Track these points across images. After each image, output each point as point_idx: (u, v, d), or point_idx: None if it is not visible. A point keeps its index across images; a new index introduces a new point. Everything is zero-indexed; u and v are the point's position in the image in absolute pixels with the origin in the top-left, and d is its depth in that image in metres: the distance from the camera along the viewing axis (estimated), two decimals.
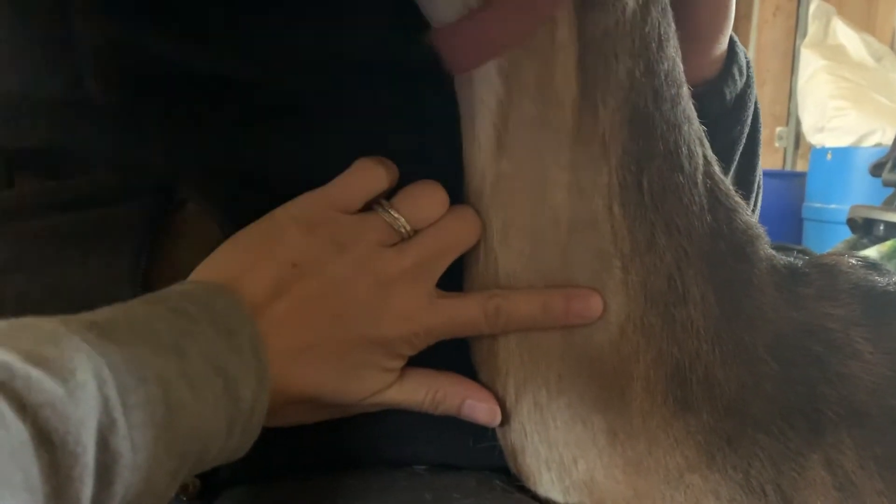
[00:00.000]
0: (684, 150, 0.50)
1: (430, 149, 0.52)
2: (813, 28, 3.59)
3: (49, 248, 0.52)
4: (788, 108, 3.89)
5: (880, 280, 0.57)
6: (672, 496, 0.48)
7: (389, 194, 0.50)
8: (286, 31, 0.52)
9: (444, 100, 0.51)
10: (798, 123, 3.70)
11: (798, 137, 3.82)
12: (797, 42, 3.84)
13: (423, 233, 0.49)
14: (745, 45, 3.91)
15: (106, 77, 0.53)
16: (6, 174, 0.56)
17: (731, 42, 0.62)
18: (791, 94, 3.83)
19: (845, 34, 3.50)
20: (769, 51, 3.96)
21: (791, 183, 3.39)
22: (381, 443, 0.53)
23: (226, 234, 0.49)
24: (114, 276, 0.50)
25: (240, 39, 0.52)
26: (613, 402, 0.49)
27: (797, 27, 3.91)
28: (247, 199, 0.54)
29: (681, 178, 0.49)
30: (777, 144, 3.92)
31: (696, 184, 0.50)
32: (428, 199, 0.50)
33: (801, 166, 3.79)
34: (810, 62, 3.48)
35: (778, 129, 3.92)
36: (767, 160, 3.90)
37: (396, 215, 0.49)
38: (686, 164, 0.50)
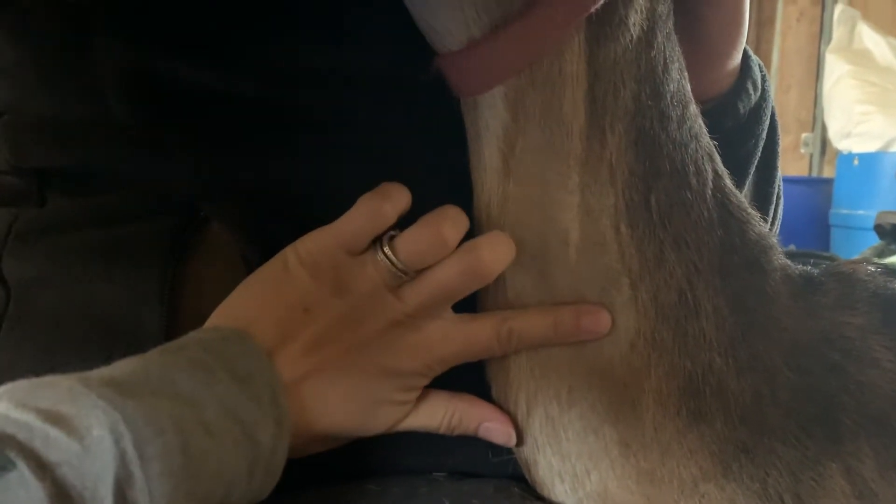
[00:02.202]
0: (692, 167, 0.50)
1: (450, 166, 0.53)
2: (838, 33, 3.57)
3: (77, 264, 0.54)
4: (814, 114, 3.86)
5: None
6: None
7: (404, 220, 0.50)
8: (303, 53, 0.54)
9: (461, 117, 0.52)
10: (824, 129, 3.66)
11: (824, 143, 3.78)
12: (822, 47, 3.81)
13: (424, 277, 0.48)
14: (769, 50, 3.89)
15: (129, 100, 0.55)
16: (38, 193, 0.58)
17: (746, 56, 0.62)
18: (816, 100, 3.80)
19: (871, 38, 3.47)
20: (793, 56, 3.94)
21: (818, 189, 3.36)
22: (401, 453, 0.54)
23: (246, 253, 0.50)
24: (140, 291, 0.52)
25: (257, 62, 0.54)
26: (625, 414, 0.49)
27: (822, 32, 3.88)
28: (268, 218, 0.55)
29: (689, 195, 0.50)
30: (803, 151, 3.89)
31: (705, 199, 0.51)
32: (428, 242, 0.48)
33: (827, 172, 3.76)
34: (835, 67, 3.44)
35: (803, 135, 3.89)
36: (793, 167, 3.87)
37: (395, 260, 0.48)
38: (694, 181, 0.50)
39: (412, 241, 0.48)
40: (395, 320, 0.48)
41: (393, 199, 0.49)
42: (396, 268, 0.48)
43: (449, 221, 0.49)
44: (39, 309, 0.53)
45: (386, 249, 0.48)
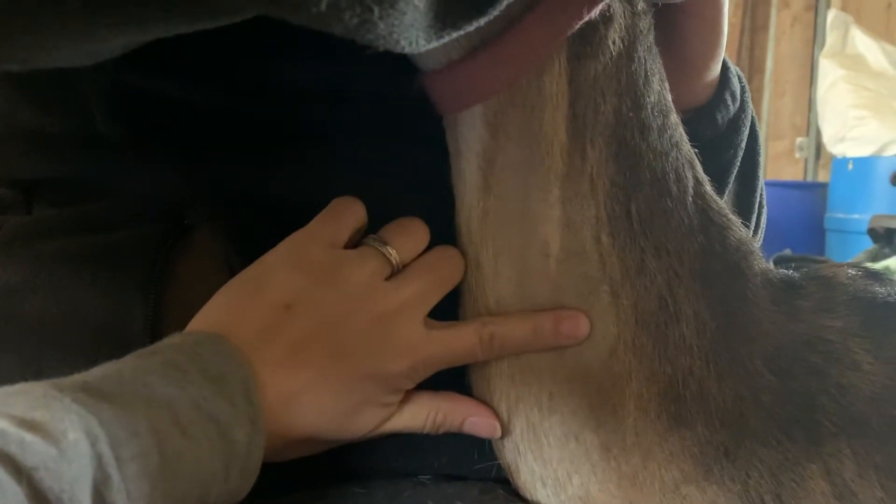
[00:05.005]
0: (672, 175, 0.51)
1: (435, 178, 0.53)
2: (831, 38, 3.58)
3: (63, 270, 0.54)
4: (808, 119, 3.87)
5: (881, 290, 0.57)
6: None
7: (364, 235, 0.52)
8: (291, 69, 0.54)
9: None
10: (818, 134, 3.68)
11: (819, 148, 3.80)
12: (815, 52, 3.83)
13: (416, 266, 0.51)
14: (763, 56, 3.91)
15: (115, 114, 0.55)
16: (26, 202, 0.59)
17: (725, 68, 0.63)
18: (811, 105, 3.82)
19: (864, 43, 3.48)
20: (788, 61, 3.95)
21: (812, 194, 3.37)
22: (386, 455, 0.54)
23: (231, 259, 0.51)
24: (125, 296, 0.52)
25: (241, 77, 0.55)
26: (606, 419, 0.50)
27: (815, 37, 3.90)
28: (254, 226, 0.55)
29: (669, 203, 0.51)
30: (798, 155, 3.90)
31: (685, 206, 0.51)
32: (413, 231, 0.51)
33: (822, 177, 3.77)
34: (829, 72, 3.46)
35: (798, 139, 3.90)
36: (788, 171, 3.88)
37: (387, 246, 0.50)
38: (674, 189, 0.51)
39: (400, 232, 0.51)
40: (386, 312, 0.48)
41: (361, 203, 0.52)
42: (392, 255, 0.49)
43: (421, 220, 0.52)
44: (26, 314, 0.54)
45: (378, 244, 0.50)
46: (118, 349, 0.44)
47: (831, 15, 3.64)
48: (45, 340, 0.53)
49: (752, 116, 0.66)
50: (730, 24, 0.60)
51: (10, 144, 0.59)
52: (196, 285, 0.52)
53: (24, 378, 0.38)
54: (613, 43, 0.49)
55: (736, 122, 0.63)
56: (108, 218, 0.56)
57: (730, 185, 0.65)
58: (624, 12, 0.49)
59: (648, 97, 0.51)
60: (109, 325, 0.52)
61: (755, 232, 0.70)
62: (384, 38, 0.35)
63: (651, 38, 0.52)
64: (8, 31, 0.31)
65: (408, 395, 0.51)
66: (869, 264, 0.87)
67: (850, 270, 0.58)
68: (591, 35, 0.48)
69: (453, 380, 0.53)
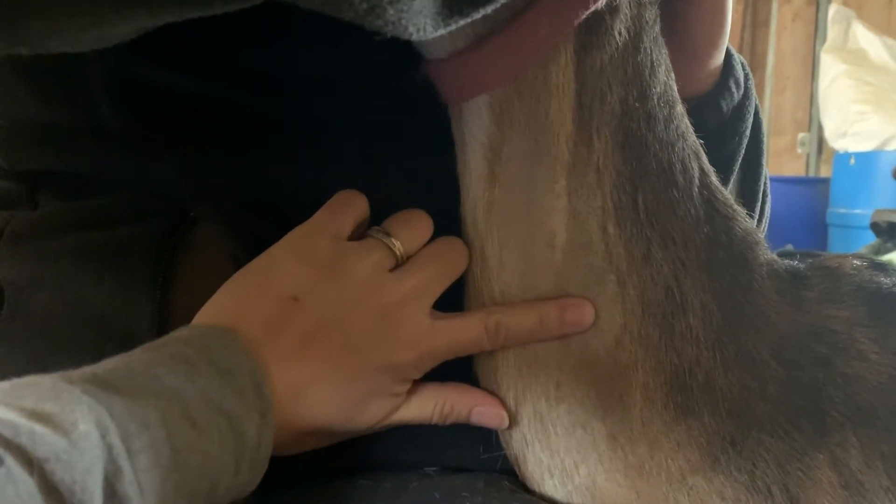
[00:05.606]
0: (678, 166, 0.51)
1: (439, 169, 0.53)
2: (833, 33, 3.58)
3: (68, 266, 0.54)
4: (810, 114, 3.87)
5: (886, 281, 0.57)
6: (676, 498, 0.49)
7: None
8: (293, 60, 0.54)
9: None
10: (820, 129, 3.68)
11: (821, 143, 3.80)
12: (817, 47, 3.83)
13: (420, 257, 0.51)
14: (765, 51, 3.91)
15: (118, 106, 0.55)
16: (30, 196, 0.59)
17: (729, 56, 0.63)
18: (812, 100, 3.82)
19: (866, 38, 3.48)
20: (789, 57, 3.95)
21: (815, 189, 3.37)
22: (392, 448, 0.54)
23: (236, 254, 0.51)
24: (131, 292, 0.53)
25: (246, 70, 0.55)
26: (613, 409, 0.50)
27: (816, 32, 3.90)
28: (256, 220, 0.55)
29: (675, 193, 0.51)
30: (800, 150, 3.90)
31: (691, 196, 0.52)
32: (416, 223, 0.51)
33: (824, 172, 3.77)
34: (831, 67, 3.46)
35: (800, 135, 3.90)
36: (790, 167, 3.88)
37: (391, 238, 0.50)
38: (680, 179, 0.51)
39: (404, 223, 0.51)
40: (392, 303, 0.48)
41: (362, 196, 0.52)
42: (396, 246, 0.50)
43: (423, 211, 0.52)
44: (32, 311, 0.54)
45: (382, 236, 0.50)
46: (124, 344, 0.44)
47: (832, 10, 3.64)
48: (51, 336, 0.53)
49: (756, 105, 0.66)
50: (731, 19, 0.60)
51: (16, 136, 0.59)
52: (201, 280, 0.52)
53: (31, 373, 0.37)
54: (619, 33, 0.49)
55: (740, 109, 0.63)
56: (112, 213, 0.56)
57: (734, 174, 0.65)
58: (630, 3, 0.49)
59: (654, 88, 0.51)
60: (115, 320, 0.53)
61: (759, 222, 0.70)
62: (393, 24, 0.35)
63: (657, 28, 0.52)
64: (18, 16, 0.31)
65: (415, 387, 0.51)
66: None
67: (855, 261, 0.58)
68: (598, 26, 0.48)
69: (460, 371, 0.53)
